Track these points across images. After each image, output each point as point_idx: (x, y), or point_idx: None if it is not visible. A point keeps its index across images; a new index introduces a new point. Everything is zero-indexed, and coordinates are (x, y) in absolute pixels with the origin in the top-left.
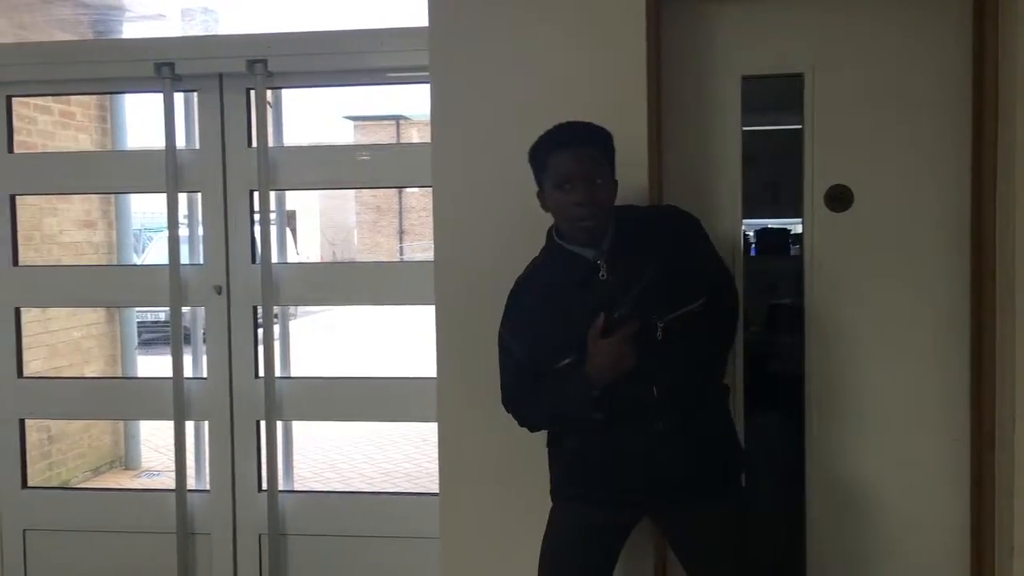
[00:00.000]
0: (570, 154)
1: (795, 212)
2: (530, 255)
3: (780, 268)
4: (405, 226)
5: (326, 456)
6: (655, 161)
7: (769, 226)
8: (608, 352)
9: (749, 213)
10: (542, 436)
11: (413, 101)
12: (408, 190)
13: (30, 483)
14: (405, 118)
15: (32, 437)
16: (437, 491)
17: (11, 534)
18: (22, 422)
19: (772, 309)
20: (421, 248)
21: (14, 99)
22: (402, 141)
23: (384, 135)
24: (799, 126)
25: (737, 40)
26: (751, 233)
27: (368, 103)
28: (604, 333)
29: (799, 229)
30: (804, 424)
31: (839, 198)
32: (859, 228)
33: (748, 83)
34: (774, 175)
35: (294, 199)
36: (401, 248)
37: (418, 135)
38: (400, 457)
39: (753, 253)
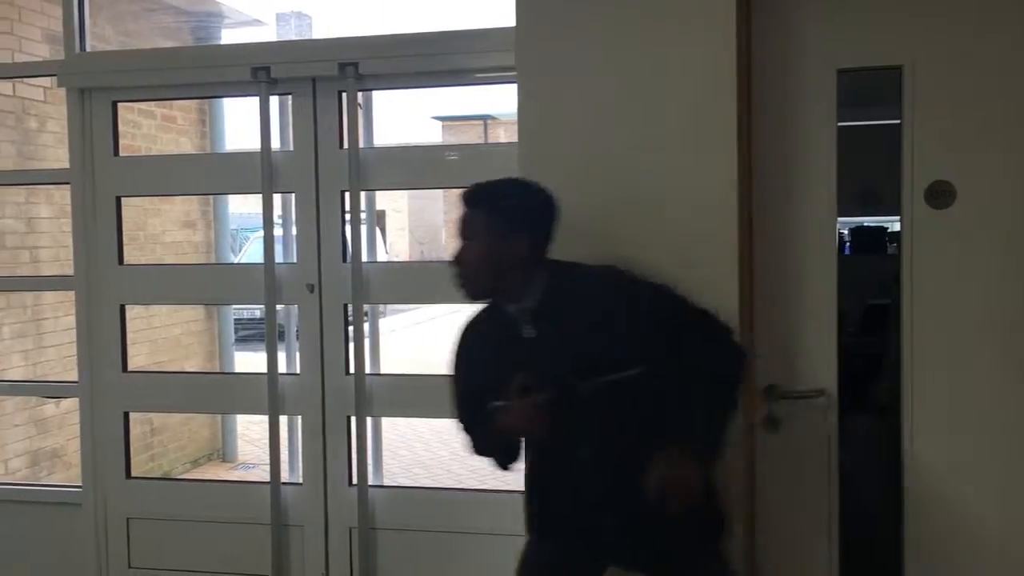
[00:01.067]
0: (459, 216)
1: (892, 210)
2: (613, 256)
3: (876, 267)
4: None
5: (414, 453)
6: (744, 158)
7: (865, 224)
8: (518, 413)
9: (844, 211)
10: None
11: (500, 101)
12: None
13: (133, 473)
14: (492, 118)
15: (136, 429)
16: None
17: (115, 521)
18: (126, 414)
19: (868, 310)
20: None
21: (119, 104)
22: (490, 141)
23: (472, 135)
24: (896, 121)
25: (832, 32)
26: (846, 231)
27: (456, 103)
28: (523, 391)
29: (896, 227)
30: (900, 432)
31: (940, 194)
32: (961, 226)
33: (843, 77)
34: (869, 171)
35: (384, 199)
36: None
37: (505, 135)
38: None
39: (848, 252)
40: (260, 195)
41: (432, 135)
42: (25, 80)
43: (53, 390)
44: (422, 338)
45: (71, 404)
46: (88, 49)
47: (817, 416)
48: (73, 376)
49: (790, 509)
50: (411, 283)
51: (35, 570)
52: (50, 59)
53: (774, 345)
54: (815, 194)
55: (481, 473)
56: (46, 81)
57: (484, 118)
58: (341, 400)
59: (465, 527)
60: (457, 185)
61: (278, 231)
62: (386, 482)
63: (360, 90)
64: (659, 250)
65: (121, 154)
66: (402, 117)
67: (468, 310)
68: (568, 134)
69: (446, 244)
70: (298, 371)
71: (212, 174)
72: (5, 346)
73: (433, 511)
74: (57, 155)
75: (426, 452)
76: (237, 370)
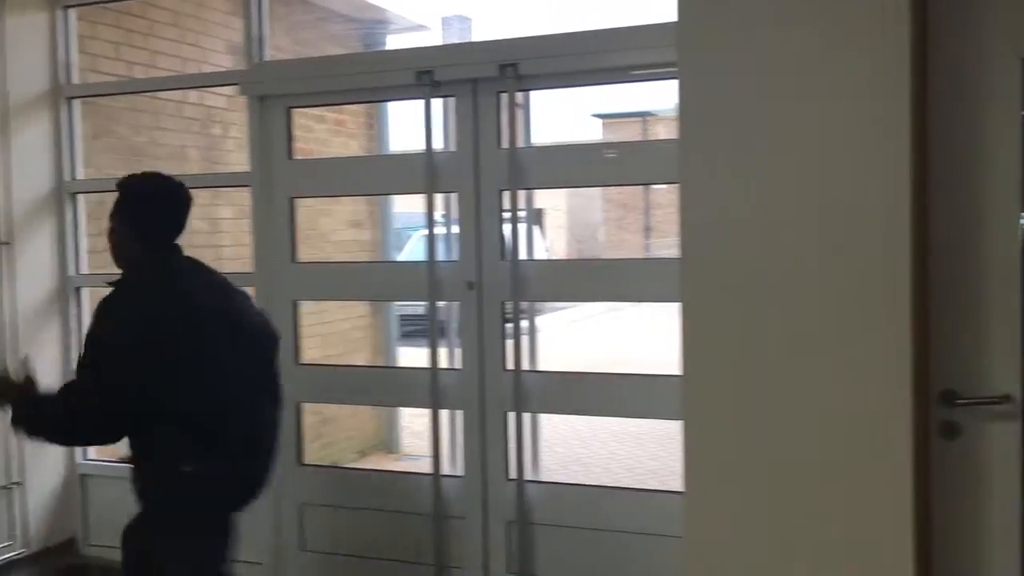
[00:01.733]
0: None
1: None
2: (779, 255)
3: None
4: (651, 223)
5: (571, 450)
6: (919, 153)
7: None
8: None
9: None
10: (794, 437)
11: (660, 97)
12: (655, 187)
13: (305, 461)
14: (652, 114)
15: (308, 419)
16: (682, 490)
17: (289, 507)
18: (299, 405)
19: None
20: (667, 245)
21: (294, 109)
22: (649, 138)
23: (631, 132)
24: None
25: (1016, 20)
26: None
27: (616, 100)
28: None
29: None
30: None
31: None
32: None
33: None
34: None
35: (543, 197)
36: (647, 245)
37: (665, 131)
38: (644, 454)
39: None
40: (423, 195)
41: (592, 133)
42: (210, 89)
43: None
44: (575, 337)
45: None
46: (266, 59)
47: (1000, 423)
48: None
49: (970, 519)
50: (569, 281)
51: None
52: (232, 69)
53: (951, 349)
54: (996, 191)
55: (638, 472)
56: (228, 90)
57: (644, 115)
58: (499, 396)
59: (622, 526)
60: (616, 183)
61: (440, 230)
62: (543, 478)
63: (519, 90)
64: (826, 253)
65: (295, 157)
66: (562, 116)
67: (628, 309)
68: (730, 132)
69: (605, 242)
70: (459, 367)
71: (378, 175)
72: None
73: (590, 509)
74: (238, 159)
75: (583, 449)
76: (401, 365)
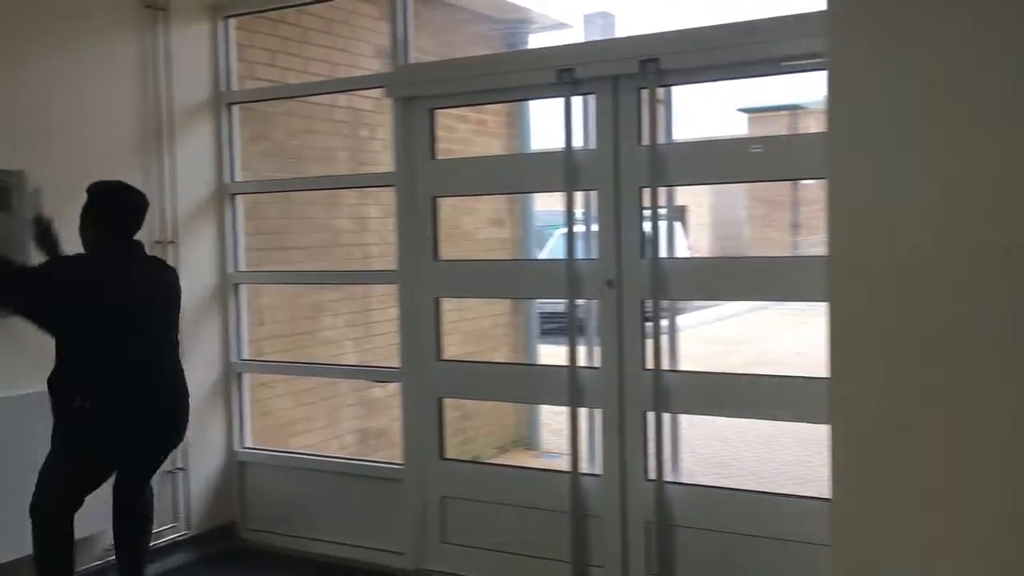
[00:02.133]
0: None
1: None
2: (930, 254)
3: None
4: (798, 220)
5: (714, 452)
6: None
7: None
8: None
9: None
10: (953, 444)
11: (810, 90)
12: (803, 182)
13: (447, 455)
14: (801, 108)
15: (449, 414)
16: (828, 496)
17: (431, 498)
18: (440, 400)
19: None
20: (816, 243)
21: (437, 110)
22: (799, 132)
23: (779, 126)
24: None
25: None
26: None
27: (763, 94)
28: None
29: None
30: None
31: None
32: None
33: None
34: None
35: (686, 194)
36: (795, 243)
37: (816, 125)
38: (790, 458)
39: None
40: (563, 193)
41: (737, 128)
42: (358, 93)
43: (378, 375)
44: (718, 336)
45: (395, 388)
46: (410, 61)
47: None
48: (396, 363)
49: None
50: (711, 279)
51: (362, 536)
52: (378, 72)
53: None
54: None
55: (785, 477)
56: (376, 93)
57: (792, 108)
58: (639, 395)
59: (766, 532)
60: (762, 179)
61: (580, 227)
62: (684, 479)
63: (661, 86)
64: (988, 253)
65: (437, 157)
66: (705, 111)
67: (773, 308)
68: (883, 125)
69: (750, 240)
70: (597, 365)
71: (518, 174)
72: (340, 334)
73: (733, 512)
74: (384, 160)
75: (727, 451)
76: (541, 362)
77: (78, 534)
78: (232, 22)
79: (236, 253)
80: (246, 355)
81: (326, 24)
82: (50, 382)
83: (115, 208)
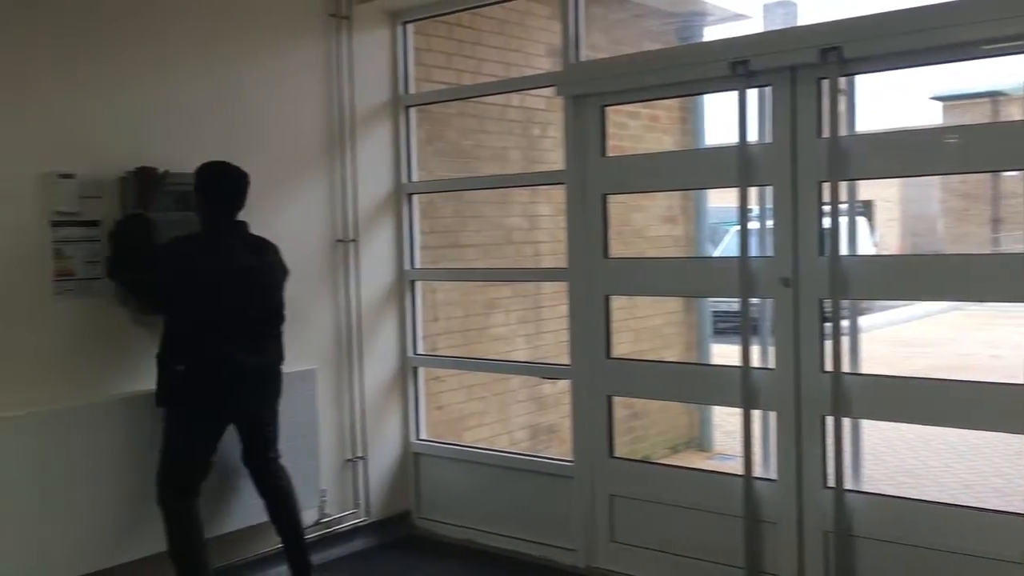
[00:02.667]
0: None
1: None
2: None
3: None
4: (1000, 214)
5: (900, 460)
6: None
7: None
8: None
9: None
10: None
11: (1013, 74)
12: (1004, 174)
13: (616, 454)
14: (1003, 94)
15: (619, 413)
16: None
17: (600, 497)
18: (609, 398)
19: None
20: (1020, 239)
21: (608, 107)
22: (1000, 119)
23: (977, 114)
24: None
25: None
26: None
27: (959, 80)
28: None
29: None
30: None
31: None
32: None
33: None
34: None
35: (873, 188)
36: (995, 239)
37: (1020, 112)
38: (988, 470)
39: None
40: (736, 188)
41: (930, 117)
42: (530, 92)
43: (548, 372)
44: (907, 338)
45: (565, 384)
46: (582, 59)
47: None
48: (565, 360)
49: None
50: (898, 277)
51: (532, 530)
52: (549, 71)
53: None
54: None
55: (978, 489)
56: (547, 91)
57: (993, 95)
58: (816, 398)
59: (957, 547)
60: (959, 171)
61: (754, 224)
62: (866, 487)
63: (843, 75)
64: None
65: (608, 155)
66: (893, 100)
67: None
68: None
69: (945, 236)
70: (772, 366)
71: (690, 169)
72: (511, 330)
73: (920, 525)
74: (555, 158)
75: (915, 460)
76: (713, 362)
77: (238, 525)
78: (410, 27)
79: (412, 251)
80: (421, 350)
81: (499, 25)
82: (158, 356)
83: (217, 185)
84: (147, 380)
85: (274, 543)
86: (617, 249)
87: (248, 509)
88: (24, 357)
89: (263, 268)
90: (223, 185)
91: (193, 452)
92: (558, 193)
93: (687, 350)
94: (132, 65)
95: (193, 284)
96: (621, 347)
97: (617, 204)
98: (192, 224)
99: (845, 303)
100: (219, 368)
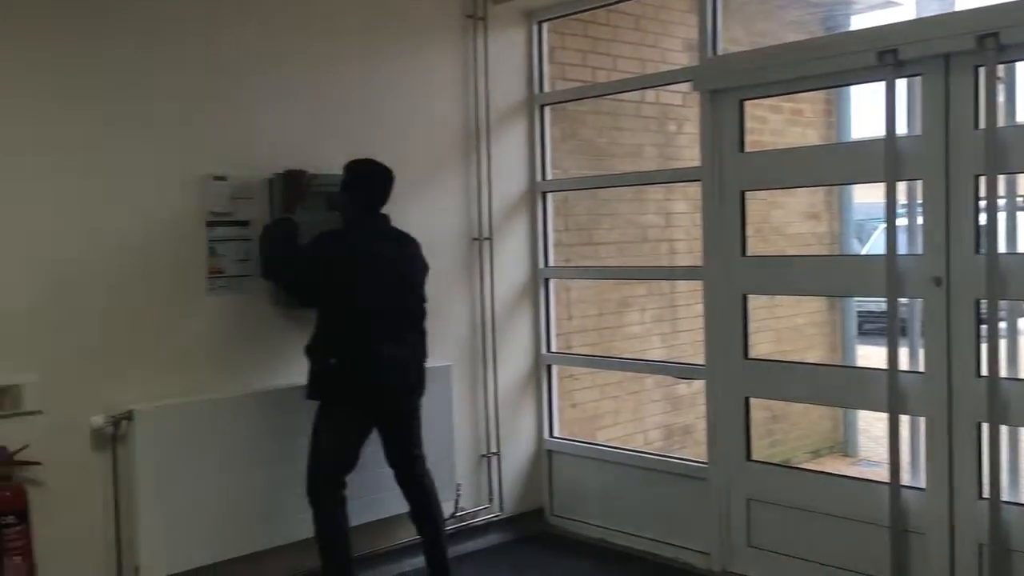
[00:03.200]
0: None
1: None
2: None
3: None
4: None
5: None
6: None
7: None
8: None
9: None
10: None
11: None
12: None
13: (754, 457)
14: None
15: (757, 415)
16: None
17: (737, 500)
18: (747, 400)
19: None
20: None
21: (747, 102)
22: None
23: None
24: None
25: None
26: None
27: None
28: None
29: None
30: None
31: None
32: None
33: None
34: None
35: None
36: None
37: None
38: None
39: None
40: (883, 183)
41: None
42: (667, 88)
43: (683, 372)
44: None
45: (700, 385)
46: (719, 52)
47: None
48: (700, 360)
49: None
50: None
51: (666, 532)
52: (685, 67)
53: None
54: None
55: None
56: (684, 87)
57: None
58: (971, 404)
59: None
60: None
61: (903, 220)
62: None
63: (1000, 63)
64: None
65: (748, 150)
66: None
67: None
68: None
69: None
70: (922, 369)
71: (834, 164)
72: (646, 329)
73: None
74: (692, 155)
75: None
76: (858, 364)
77: (378, 515)
78: (545, 26)
79: (546, 249)
80: (555, 348)
81: (635, 21)
82: (307, 348)
83: (365, 181)
84: (292, 374)
85: (411, 535)
86: (756, 247)
87: (388, 500)
88: (180, 349)
89: (406, 259)
90: (371, 182)
91: (341, 445)
92: (694, 190)
93: (831, 351)
94: (283, 70)
95: (339, 276)
96: (760, 347)
97: (756, 201)
98: (337, 223)
99: (1003, 304)
100: (367, 365)
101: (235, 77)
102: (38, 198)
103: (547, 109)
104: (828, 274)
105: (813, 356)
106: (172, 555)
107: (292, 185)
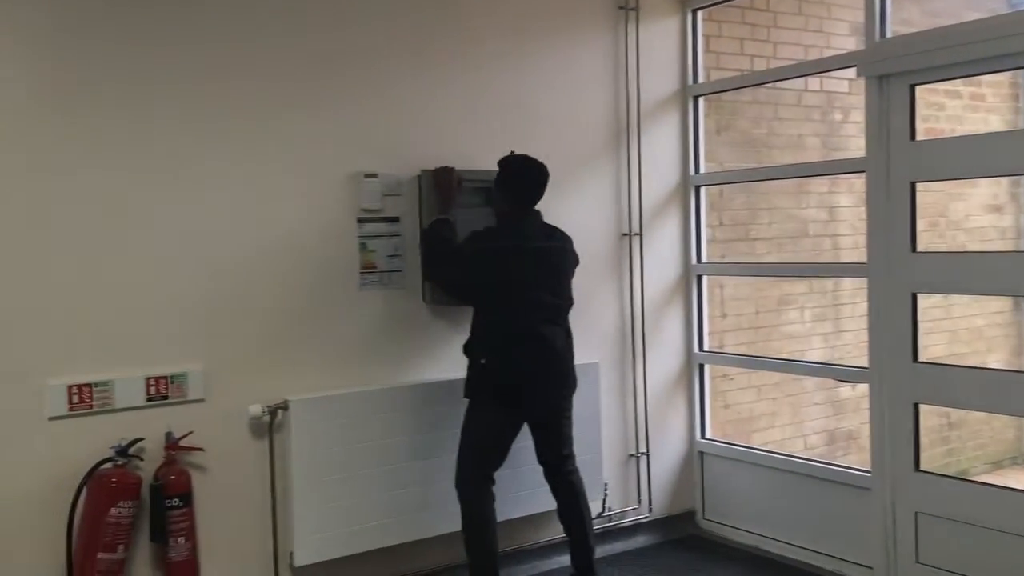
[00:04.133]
0: None
1: None
2: None
3: None
4: None
5: None
6: None
7: None
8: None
9: None
10: None
11: None
12: None
13: (924, 467)
14: None
15: (930, 422)
16: None
17: (904, 513)
18: (916, 405)
19: None
20: None
21: (920, 87)
22: None
23: None
24: None
25: None
26: None
27: None
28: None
29: None
30: None
31: None
32: None
33: None
34: None
35: None
36: None
37: None
38: None
39: None
40: None
41: None
42: (832, 74)
43: (846, 374)
44: None
45: (865, 388)
46: (889, 35)
47: None
48: (865, 362)
49: None
50: None
51: (824, 543)
52: (850, 51)
53: None
54: None
55: None
56: (850, 73)
57: None
58: None
59: None
60: None
61: None
62: None
63: None
64: None
65: (922, 138)
66: None
67: None
68: None
69: None
70: None
71: (1020, 153)
72: (807, 329)
73: None
74: (858, 144)
75: None
76: None
77: (520, 512)
78: (700, 14)
79: (698, 245)
80: (707, 346)
81: (797, 5)
82: (464, 347)
83: (521, 178)
84: (442, 369)
85: (558, 532)
86: (932, 242)
87: (537, 497)
88: (335, 343)
89: (556, 251)
90: (527, 178)
91: (491, 442)
92: (861, 182)
93: (1015, 355)
94: (434, 68)
95: (495, 275)
96: (933, 349)
97: (931, 193)
98: (489, 218)
99: None
100: (518, 366)
101: (389, 76)
102: (216, 203)
103: (701, 100)
104: (1011, 272)
105: (995, 360)
106: (325, 542)
107: (442, 183)
